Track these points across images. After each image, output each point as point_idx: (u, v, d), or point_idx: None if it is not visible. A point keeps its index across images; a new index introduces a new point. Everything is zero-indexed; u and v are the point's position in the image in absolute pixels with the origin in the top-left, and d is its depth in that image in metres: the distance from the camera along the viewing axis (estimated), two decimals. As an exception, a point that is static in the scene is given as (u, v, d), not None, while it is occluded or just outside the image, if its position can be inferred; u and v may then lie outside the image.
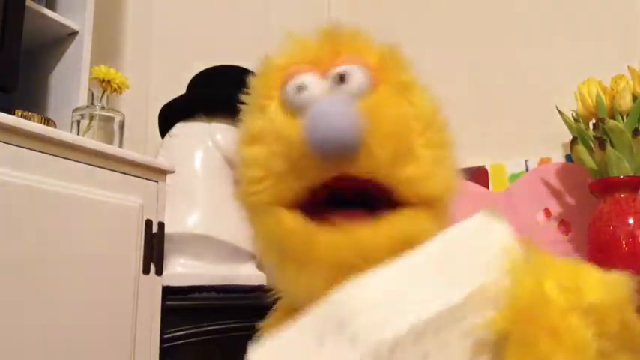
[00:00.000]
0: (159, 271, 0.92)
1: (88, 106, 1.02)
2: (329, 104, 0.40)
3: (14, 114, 0.85)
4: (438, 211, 0.43)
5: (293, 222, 0.41)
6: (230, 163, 1.15)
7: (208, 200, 1.12)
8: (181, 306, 1.00)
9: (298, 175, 0.41)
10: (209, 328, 1.03)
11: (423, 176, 0.42)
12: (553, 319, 0.31)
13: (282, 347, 0.35)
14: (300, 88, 0.44)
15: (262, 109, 0.46)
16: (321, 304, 0.35)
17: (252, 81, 0.49)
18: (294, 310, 0.41)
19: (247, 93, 0.49)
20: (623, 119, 0.91)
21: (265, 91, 0.47)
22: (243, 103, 0.49)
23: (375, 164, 0.40)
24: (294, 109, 0.44)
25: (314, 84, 0.44)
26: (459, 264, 0.35)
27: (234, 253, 1.11)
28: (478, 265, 0.35)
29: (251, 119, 0.47)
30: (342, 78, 0.43)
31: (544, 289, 0.32)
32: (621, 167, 0.89)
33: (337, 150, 0.39)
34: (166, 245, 0.96)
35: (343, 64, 0.44)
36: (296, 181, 0.42)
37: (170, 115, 1.24)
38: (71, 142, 0.80)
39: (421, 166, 0.42)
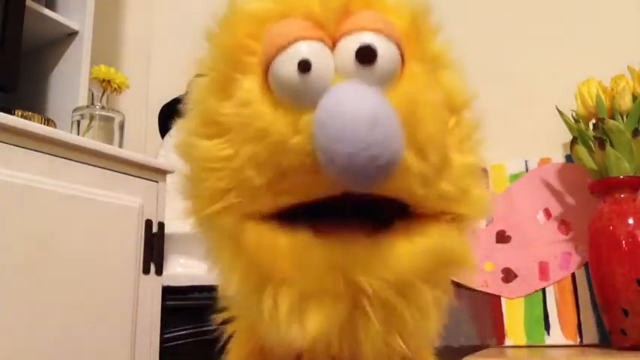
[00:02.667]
0: (159, 271, 0.92)
1: (88, 106, 1.02)
2: (357, 100, 0.25)
3: (14, 114, 0.85)
4: (464, 226, 0.32)
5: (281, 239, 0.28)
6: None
7: (208, 200, 1.12)
8: (181, 306, 1.00)
9: (287, 191, 0.28)
10: (209, 328, 1.03)
11: (458, 194, 0.31)
12: None
13: None
14: (305, 66, 0.27)
15: (229, 85, 0.30)
16: None
17: (208, 36, 0.33)
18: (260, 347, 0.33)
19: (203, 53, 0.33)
20: (623, 119, 0.91)
21: (234, 55, 0.30)
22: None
23: (410, 183, 0.28)
24: (289, 94, 0.28)
25: (323, 60, 0.28)
26: None
27: (234, 253, 1.11)
28: None
29: (211, 97, 0.31)
30: (368, 56, 0.27)
31: None
32: (621, 167, 0.89)
33: (369, 170, 0.24)
34: (166, 245, 0.96)
35: (363, 29, 0.28)
36: (281, 197, 0.29)
37: (170, 115, 1.24)
38: (71, 142, 0.80)
39: (455, 180, 0.31)
